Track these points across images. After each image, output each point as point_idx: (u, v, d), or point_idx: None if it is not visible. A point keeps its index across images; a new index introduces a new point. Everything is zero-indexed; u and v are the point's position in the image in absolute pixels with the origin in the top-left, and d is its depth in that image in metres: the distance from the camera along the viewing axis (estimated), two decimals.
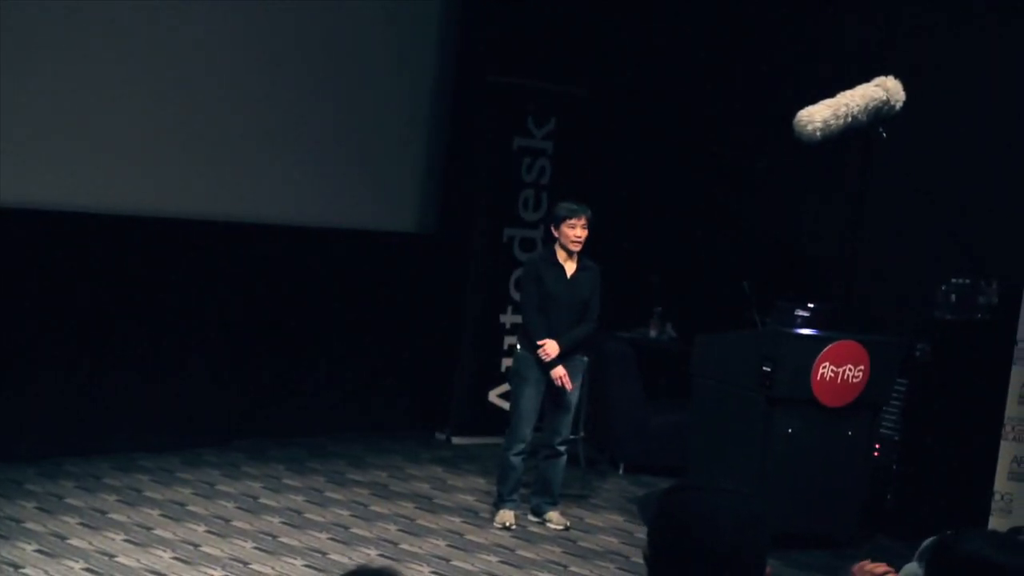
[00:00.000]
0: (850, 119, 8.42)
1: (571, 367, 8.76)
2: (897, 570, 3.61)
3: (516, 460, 8.81)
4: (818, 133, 8.35)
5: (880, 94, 8.52)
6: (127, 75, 9.33)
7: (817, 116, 8.34)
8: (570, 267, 8.76)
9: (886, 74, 8.66)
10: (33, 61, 8.88)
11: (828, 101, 8.44)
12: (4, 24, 8.67)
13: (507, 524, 8.81)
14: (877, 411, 9.15)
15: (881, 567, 3.46)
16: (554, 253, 8.78)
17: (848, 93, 8.50)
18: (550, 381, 8.71)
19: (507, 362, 10.99)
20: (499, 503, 8.94)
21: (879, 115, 8.57)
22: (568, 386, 8.70)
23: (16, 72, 8.79)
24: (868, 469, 9.13)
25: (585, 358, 8.97)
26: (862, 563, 3.51)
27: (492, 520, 8.89)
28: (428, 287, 11.15)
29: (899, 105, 8.58)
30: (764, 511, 2.84)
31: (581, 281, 8.77)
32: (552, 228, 8.77)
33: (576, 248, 8.69)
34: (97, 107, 9.22)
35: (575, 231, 8.64)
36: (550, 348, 8.63)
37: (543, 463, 8.99)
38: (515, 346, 9.02)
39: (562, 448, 8.92)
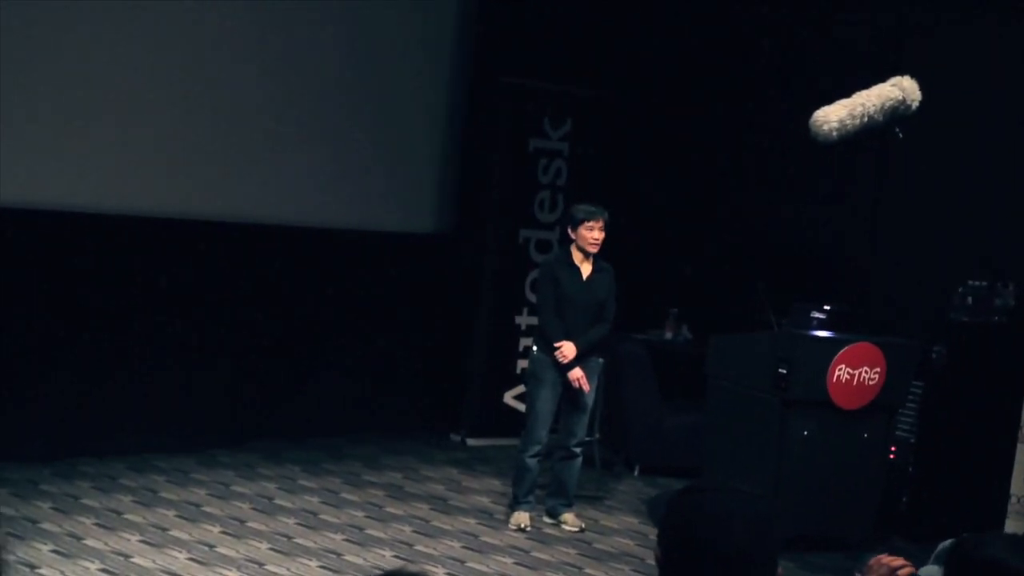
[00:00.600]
0: (866, 119, 8.39)
1: (587, 369, 8.75)
2: None
3: (532, 462, 8.80)
4: (834, 133, 8.32)
5: (896, 94, 8.49)
6: (145, 76, 9.32)
7: (833, 116, 8.31)
8: (586, 268, 8.75)
9: (902, 74, 8.63)
10: (39, 60, 8.88)
11: (844, 101, 8.41)
12: (5, 23, 8.68)
13: (522, 526, 8.80)
14: (893, 413, 9.13)
15: (898, 560, 3.45)
16: (570, 254, 8.77)
17: (864, 93, 8.47)
18: (566, 382, 8.71)
19: (522, 363, 10.98)
20: (514, 505, 8.93)
21: (895, 115, 8.53)
22: (586, 388, 8.70)
23: (22, 72, 8.79)
24: (884, 471, 9.10)
25: (601, 359, 8.95)
26: (879, 556, 3.50)
27: (507, 522, 8.89)
28: (444, 288, 11.15)
29: (915, 105, 8.55)
30: (775, 512, 2.83)
31: (597, 282, 8.77)
32: (569, 229, 8.77)
33: (594, 250, 8.69)
34: (110, 106, 9.21)
35: (593, 233, 8.64)
36: (567, 350, 8.62)
37: (558, 464, 8.98)
38: (531, 348, 9.01)
39: (577, 450, 8.91)
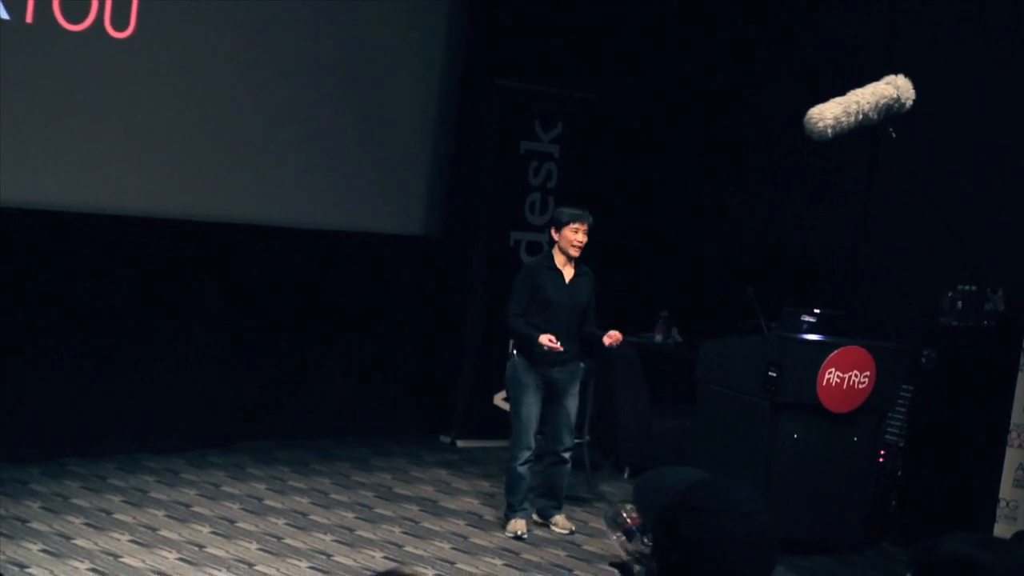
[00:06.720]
0: (861, 117, 8.39)
1: (569, 373, 8.74)
2: None
3: (523, 470, 8.75)
4: (829, 131, 8.32)
5: (891, 92, 8.49)
6: (136, 77, 9.30)
7: (828, 114, 8.31)
8: (568, 272, 8.73)
9: (896, 72, 8.64)
10: (33, 62, 8.87)
11: (839, 99, 8.41)
12: (5, 23, 8.67)
13: (519, 533, 8.75)
14: (883, 417, 9.15)
15: None
16: (552, 258, 8.75)
17: (859, 91, 8.48)
18: (548, 385, 8.68)
19: None
20: (509, 513, 8.86)
21: (889, 113, 8.54)
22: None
23: (21, 74, 8.78)
24: (873, 475, 9.12)
25: (583, 364, 8.92)
26: None
27: (497, 523, 8.88)
28: (434, 290, 11.15)
29: (909, 103, 8.55)
30: (773, 527, 2.83)
31: (579, 286, 8.75)
32: (553, 231, 8.74)
33: (575, 253, 8.67)
34: (103, 107, 9.19)
35: (577, 236, 8.63)
36: (546, 340, 8.50)
37: (549, 469, 8.96)
38: (511, 353, 8.90)
39: (566, 455, 8.87)
